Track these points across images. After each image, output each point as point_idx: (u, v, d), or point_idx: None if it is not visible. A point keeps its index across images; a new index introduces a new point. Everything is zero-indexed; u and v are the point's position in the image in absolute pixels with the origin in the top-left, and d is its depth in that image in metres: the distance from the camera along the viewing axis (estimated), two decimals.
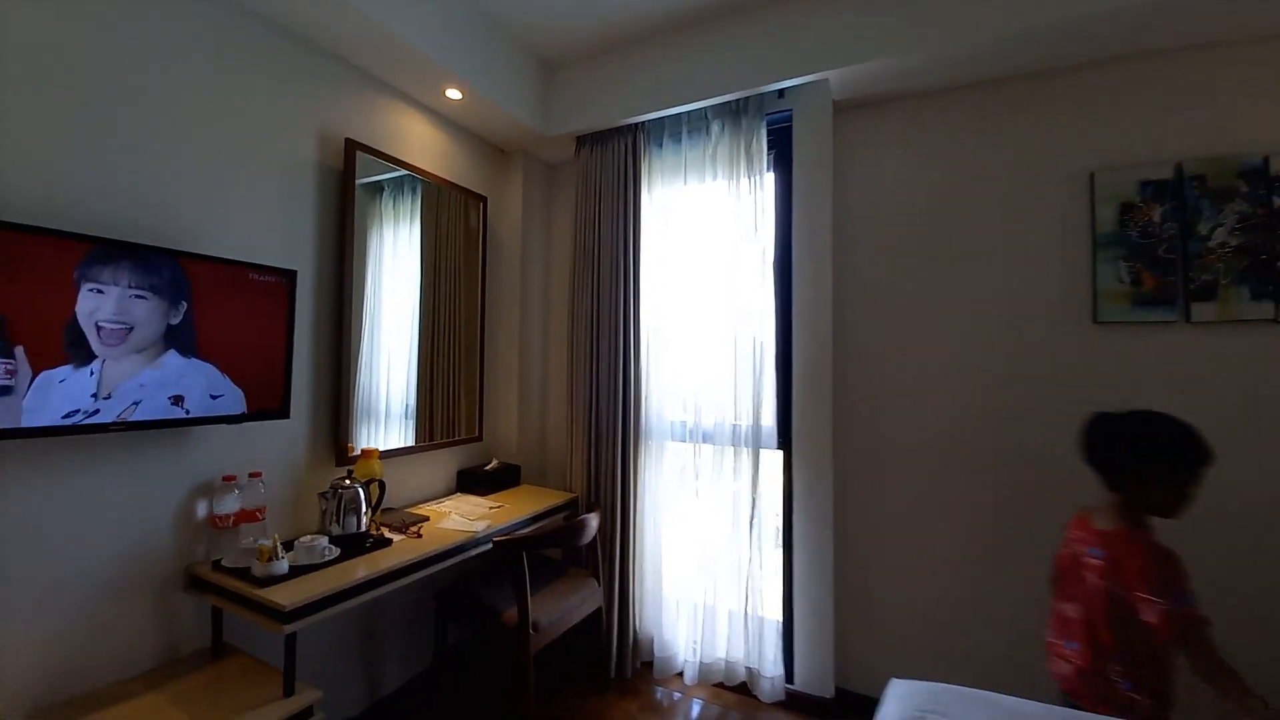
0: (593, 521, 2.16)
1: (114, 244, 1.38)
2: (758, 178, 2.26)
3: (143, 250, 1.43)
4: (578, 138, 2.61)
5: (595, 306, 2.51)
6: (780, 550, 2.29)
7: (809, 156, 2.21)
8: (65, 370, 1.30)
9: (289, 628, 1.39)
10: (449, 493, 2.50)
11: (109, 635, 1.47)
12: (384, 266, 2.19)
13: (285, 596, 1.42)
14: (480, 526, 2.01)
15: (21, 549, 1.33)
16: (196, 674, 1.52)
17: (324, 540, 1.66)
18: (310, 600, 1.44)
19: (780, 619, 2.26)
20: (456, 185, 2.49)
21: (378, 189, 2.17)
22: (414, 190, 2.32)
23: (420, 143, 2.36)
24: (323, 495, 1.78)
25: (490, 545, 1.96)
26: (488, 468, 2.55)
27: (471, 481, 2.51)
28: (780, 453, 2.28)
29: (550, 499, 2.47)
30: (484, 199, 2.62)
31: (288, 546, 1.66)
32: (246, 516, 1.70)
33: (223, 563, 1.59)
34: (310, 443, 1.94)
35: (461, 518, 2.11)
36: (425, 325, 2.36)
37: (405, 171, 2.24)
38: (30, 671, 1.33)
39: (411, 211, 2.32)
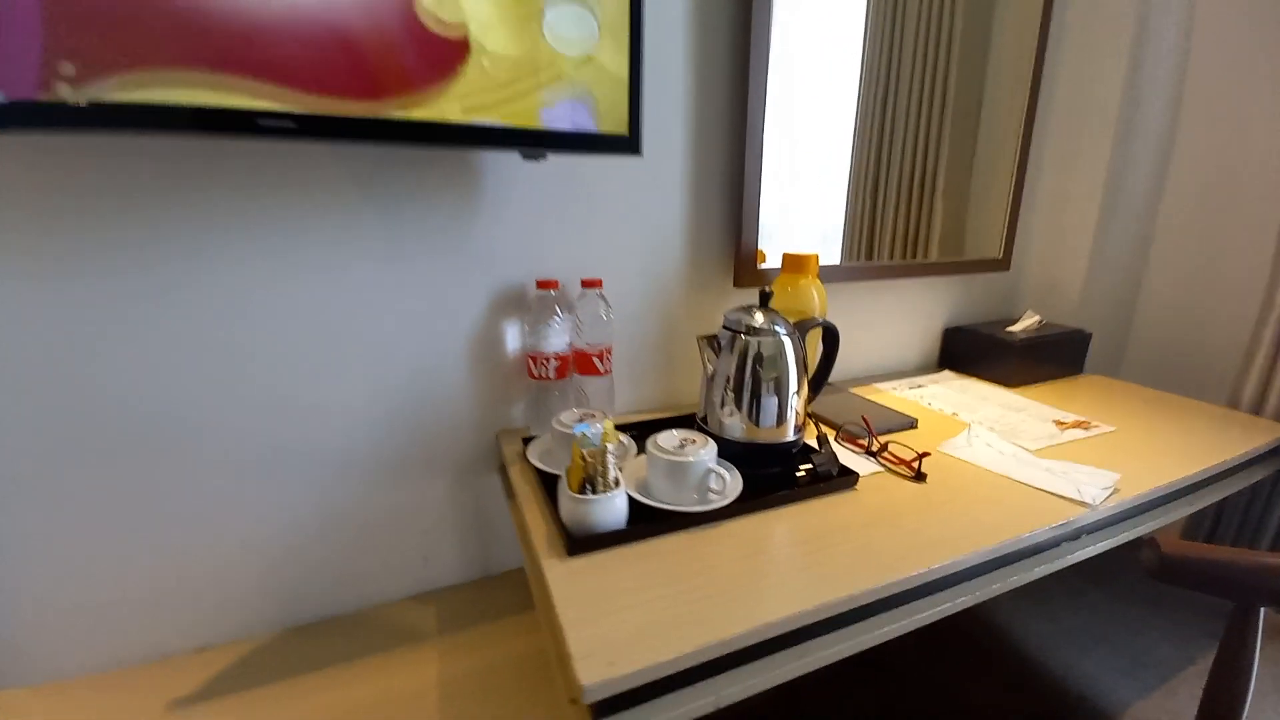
0: None
1: None
2: None
3: None
4: None
5: None
6: None
7: None
8: None
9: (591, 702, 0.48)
10: (923, 369, 1.28)
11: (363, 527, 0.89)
12: None
13: (593, 633, 0.50)
14: (1095, 491, 0.72)
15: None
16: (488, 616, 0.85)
17: (709, 454, 0.67)
18: (652, 673, 0.47)
19: None
20: None
21: None
22: None
23: None
24: (709, 341, 0.78)
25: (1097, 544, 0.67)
26: (1017, 329, 1.20)
27: (975, 352, 1.22)
28: None
29: (1212, 427, 0.96)
30: None
31: (636, 442, 0.77)
32: (583, 362, 0.86)
33: (528, 452, 0.81)
34: (685, 232, 0.96)
35: (1004, 445, 0.86)
36: (873, 89, 1.01)
37: None
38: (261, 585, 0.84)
39: None
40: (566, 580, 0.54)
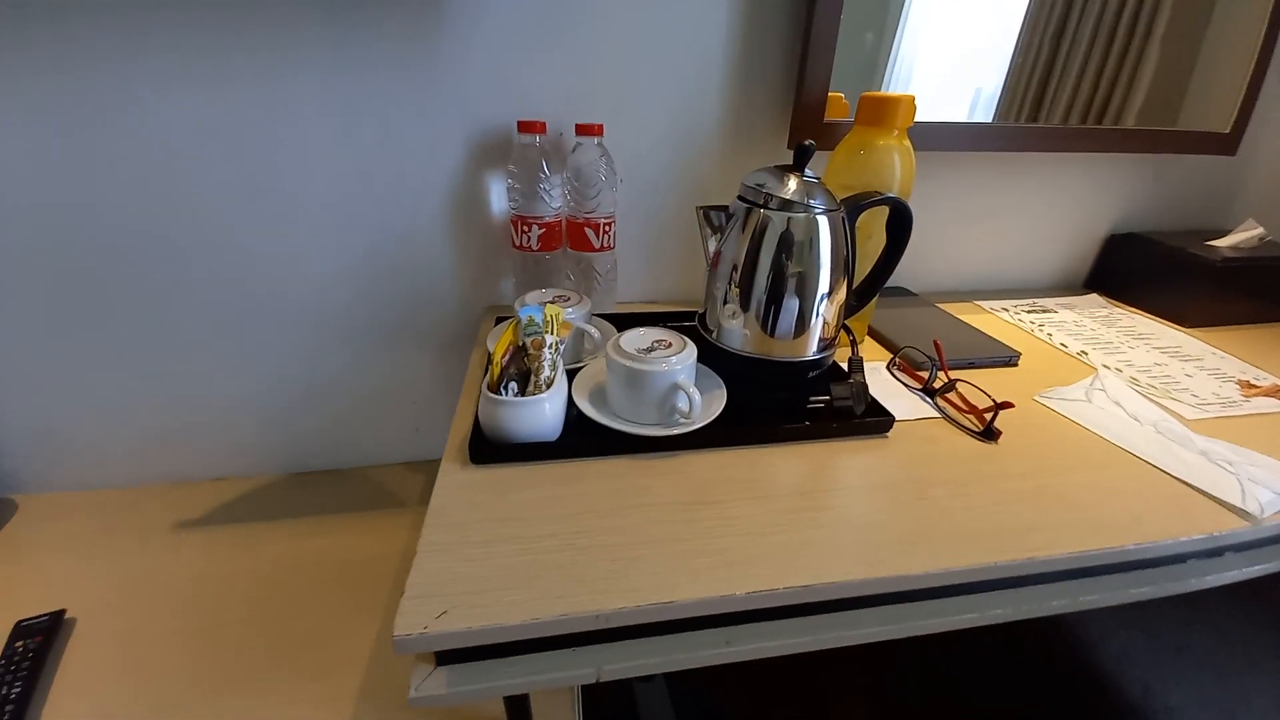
0: None
1: None
2: None
3: None
4: None
5: None
6: None
7: None
8: None
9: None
10: (1059, 286, 0.95)
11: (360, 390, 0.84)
12: None
13: (448, 565, 0.39)
14: (1269, 496, 0.46)
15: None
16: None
17: (681, 363, 0.51)
18: (486, 636, 0.36)
19: None
20: None
21: None
22: None
23: None
24: (710, 214, 0.58)
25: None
26: (1224, 243, 0.82)
27: (1147, 270, 0.87)
28: None
29: None
30: None
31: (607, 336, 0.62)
32: (575, 234, 0.70)
33: (489, 334, 0.68)
34: (729, 59, 0.70)
35: (1144, 405, 0.60)
36: None
37: None
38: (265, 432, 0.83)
39: None
40: (455, 490, 0.44)
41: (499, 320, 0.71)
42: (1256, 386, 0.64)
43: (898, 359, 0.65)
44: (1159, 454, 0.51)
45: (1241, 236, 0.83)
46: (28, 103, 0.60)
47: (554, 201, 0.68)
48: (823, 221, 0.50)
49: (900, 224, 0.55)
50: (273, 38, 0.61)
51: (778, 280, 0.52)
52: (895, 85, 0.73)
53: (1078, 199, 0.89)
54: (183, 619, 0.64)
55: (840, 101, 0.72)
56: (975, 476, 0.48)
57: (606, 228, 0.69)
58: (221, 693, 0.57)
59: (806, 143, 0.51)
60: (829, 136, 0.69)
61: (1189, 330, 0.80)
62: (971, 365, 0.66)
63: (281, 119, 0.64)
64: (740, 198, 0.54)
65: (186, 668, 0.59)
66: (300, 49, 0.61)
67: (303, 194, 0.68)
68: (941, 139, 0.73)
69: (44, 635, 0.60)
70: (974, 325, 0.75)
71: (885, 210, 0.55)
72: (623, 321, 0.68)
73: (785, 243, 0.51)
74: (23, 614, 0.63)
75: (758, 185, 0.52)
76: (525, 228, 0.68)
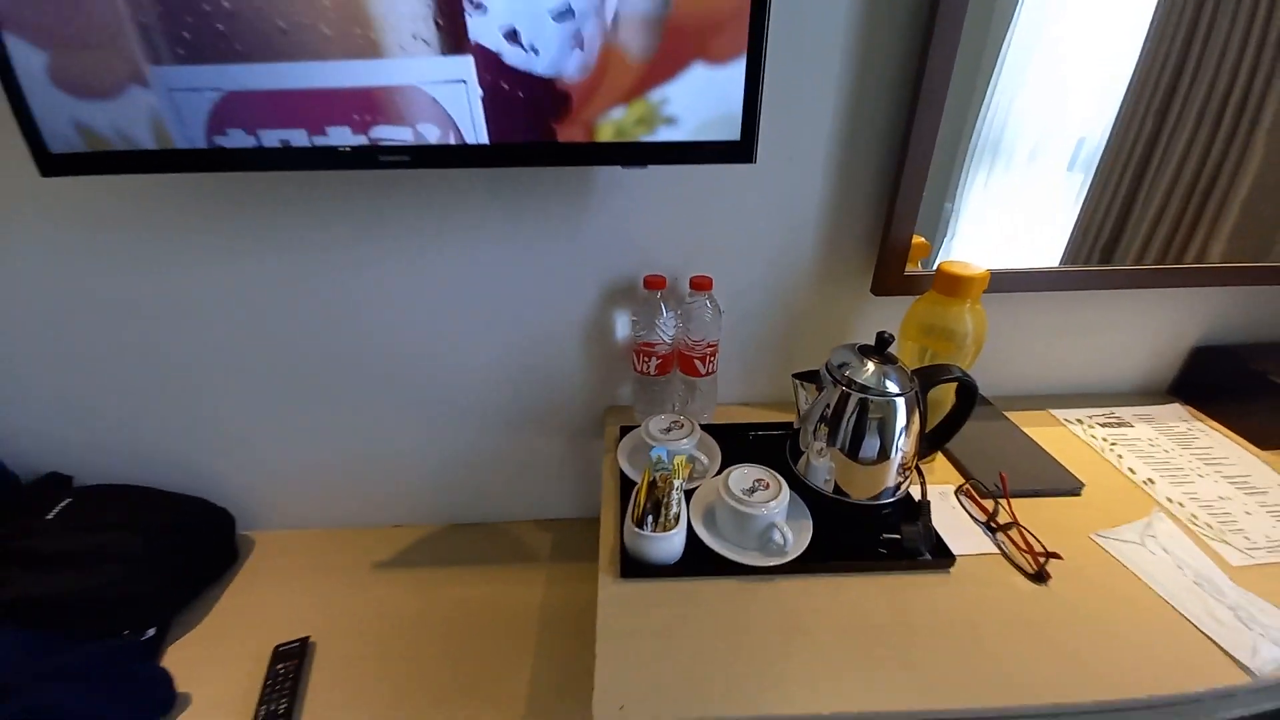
0: None
1: None
2: None
3: None
4: None
5: None
6: None
7: None
8: None
9: None
10: (1141, 394, 0.99)
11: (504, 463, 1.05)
12: None
13: (619, 668, 0.56)
14: (1275, 653, 0.55)
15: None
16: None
17: (778, 506, 0.64)
18: None
19: None
20: None
21: None
22: None
23: None
24: (804, 381, 0.71)
25: None
26: None
27: (1228, 386, 0.90)
28: None
29: None
30: None
31: (722, 451, 0.76)
32: (684, 362, 0.85)
33: (619, 448, 0.84)
34: (822, 219, 0.82)
35: (1192, 552, 0.67)
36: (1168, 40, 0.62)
37: None
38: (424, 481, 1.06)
39: None
40: (613, 603, 0.61)
41: (623, 430, 0.87)
42: None
43: (966, 485, 0.75)
44: (1193, 607, 0.59)
45: None
46: (287, 265, 0.83)
47: (668, 334, 0.84)
48: (898, 404, 0.62)
49: (967, 395, 0.66)
50: (467, 221, 0.80)
51: (856, 441, 0.65)
52: (955, 226, 0.82)
53: (1161, 318, 0.93)
54: (392, 647, 0.86)
55: (922, 245, 0.82)
56: (1022, 620, 0.59)
57: (710, 357, 0.84)
58: (426, 712, 0.78)
59: (886, 334, 0.64)
60: (910, 285, 0.80)
61: (1266, 453, 0.83)
62: (1036, 494, 0.74)
63: (468, 271, 0.84)
64: (827, 371, 0.67)
65: (401, 688, 0.81)
66: (487, 227, 0.81)
67: (476, 316, 0.89)
68: (1019, 283, 0.82)
69: (297, 659, 0.84)
70: (1043, 445, 0.83)
71: (955, 385, 0.66)
72: (722, 434, 0.83)
73: (863, 415, 0.64)
74: (276, 639, 0.87)
75: (841, 365, 0.65)
76: (645, 356, 0.84)
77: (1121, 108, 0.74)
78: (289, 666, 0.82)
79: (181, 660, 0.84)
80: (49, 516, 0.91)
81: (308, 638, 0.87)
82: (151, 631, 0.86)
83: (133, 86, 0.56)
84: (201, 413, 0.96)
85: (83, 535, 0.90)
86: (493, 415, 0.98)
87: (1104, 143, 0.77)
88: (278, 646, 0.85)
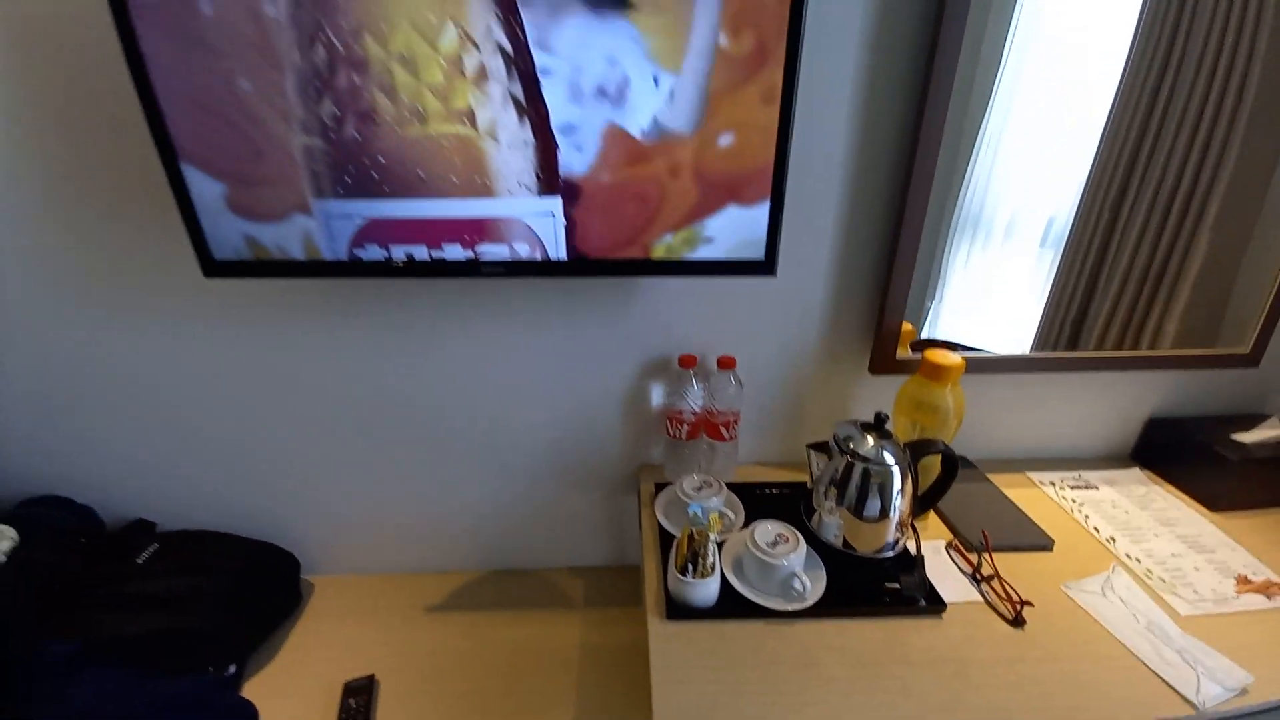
0: None
1: None
2: None
3: None
4: None
5: None
6: None
7: None
8: None
9: None
10: (1107, 459, 1.13)
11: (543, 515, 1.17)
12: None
13: (675, 702, 0.67)
14: (1215, 690, 0.65)
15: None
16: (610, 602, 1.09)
17: (797, 558, 0.77)
18: None
19: None
20: None
21: None
22: None
23: None
24: (816, 451, 0.85)
25: None
26: (1249, 438, 0.98)
27: (1181, 455, 1.04)
28: None
29: None
30: None
31: (745, 508, 0.89)
32: (710, 428, 0.99)
33: (656, 502, 0.98)
34: (826, 311, 0.99)
35: (1146, 604, 0.79)
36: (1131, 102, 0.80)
37: None
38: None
39: None
40: (663, 642, 0.73)
41: (658, 487, 1.00)
42: (1251, 582, 0.81)
43: (954, 541, 0.88)
44: (1146, 650, 0.71)
45: (1267, 434, 0.99)
46: (378, 341, 0.98)
47: (697, 404, 0.98)
48: (893, 471, 0.76)
49: (950, 465, 0.80)
50: (531, 311, 0.96)
51: (861, 501, 0.78)
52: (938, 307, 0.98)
53: (1120, 392, 1.08)
54: (450, 683, 0.96)
55: (911, 332, 0.97)
56: (1002, 660, 0.70)
57: (733, 424, 0.98)
58: None
59: (882, 414, 0.78)
60: (902, 366, 0.95)
61: (1218, 513, 0.96)
62: (1014, 549, 0.87)
63: (526, 352, 0.99)
64: (835, 443, 0.81)
65: None
66: (548, 316, 0.97)
67: (533, 388, 1.03)
68: (996, 366, 0.97)
69: (366, 694, 0.94)
70: (1020, 505, 0.97)
71: (939, 457, 0.80)
72: (742, 491, 0.96)
73: (865, 481, 0.77)
74: (343, 676, 0.96)
75: (845, 438, 0.79)
76: (677, 423, 0.98)
77: (1082, 196, 0.90)
78: (360, 701, 0.92)
79: (259, 695, 0.93)
80: (139, 560, 1.02)
81: (373, 675, 0.97)
82: (233, 668, 0.96)
83: (297, 214, 0.72)
84: (278, 464, 1.09)
85: (170, 579, 1.01)
86: (539, 473, 1.11)
87: (1069, 224, 0.92)
88: (347, 682, 0.95)
